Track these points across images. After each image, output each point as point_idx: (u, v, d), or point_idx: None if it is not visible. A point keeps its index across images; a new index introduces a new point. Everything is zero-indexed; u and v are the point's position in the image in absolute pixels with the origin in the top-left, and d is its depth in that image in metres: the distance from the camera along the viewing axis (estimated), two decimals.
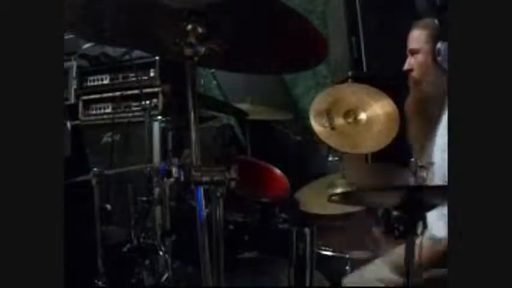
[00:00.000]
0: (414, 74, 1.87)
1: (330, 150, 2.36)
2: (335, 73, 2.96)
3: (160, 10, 1.11)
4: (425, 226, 1.81)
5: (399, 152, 2.01)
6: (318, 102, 2.16)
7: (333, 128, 2.08)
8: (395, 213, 1.31)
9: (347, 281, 1.90)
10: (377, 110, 2.12)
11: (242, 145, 3.04)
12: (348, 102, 2.16)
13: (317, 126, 2.08)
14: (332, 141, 2.10)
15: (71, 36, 2.78)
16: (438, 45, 1.77)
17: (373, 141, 2.09)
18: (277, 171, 2.21)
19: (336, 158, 2.34)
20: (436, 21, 1.85)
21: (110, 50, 3.17)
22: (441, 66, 1.77)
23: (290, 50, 1.28)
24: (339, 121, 2.12)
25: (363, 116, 2.15)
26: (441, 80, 1.76)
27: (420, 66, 1.84)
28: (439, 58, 1.77)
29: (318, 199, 2.12)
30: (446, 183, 1.42)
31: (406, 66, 1.89)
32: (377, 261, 1.86)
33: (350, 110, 2.15)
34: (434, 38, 1.79)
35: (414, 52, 1.86)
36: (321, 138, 2.08)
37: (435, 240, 1.66)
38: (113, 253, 2.41)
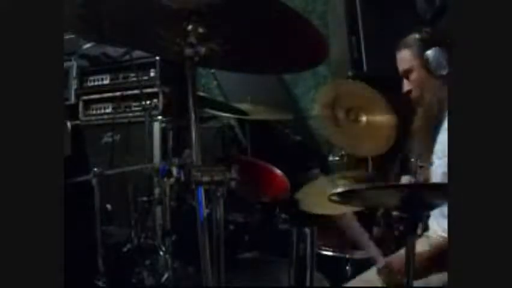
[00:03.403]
0: (415, 93, 1.85)
1: (330, 150, 2.36)
2: (335, 73, 2.96)
3: (160, 10, 1.11)
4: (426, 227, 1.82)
5: (399, 153, 2.02)
6: (323, 95, 2.15)
7: (337, 125, 2.08)
8: (395, 213, 1.31)
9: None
10: (376, 115, 2.12)
11: (242, 145, 3.04)
12: (351, 99, 2.16)
13: (323, 119, 2.07)
14: (335, 139, 2.10)
15: (71, 36, 2.79)
16: (425, 55, 1.76)
17: (372, 145, 2.08)
18: (277, 171, 2.21)
19: (337, 158, 2.34)
20: (417, 35, 1.83)
21: (110, 50, 3.18)
22: (435, 73, 1.76)
23: (290, 50, 1.28)
24: (342, 117, 2.11)
25: (363, 117, 2.15)
26: (440, 85, 1.76)
27: (418, 82, 1.82)
28: (430, 66, 1.76)
29: (318, 199, 2.12)
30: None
31: (405, 89, 1.87)
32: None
33: (352, 107, 2.14)
34: (420, 51, 1.79)
35: (407, 72, 1.85)
36: (326, 134, 2.07)
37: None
38: (113, 253, 2.42)
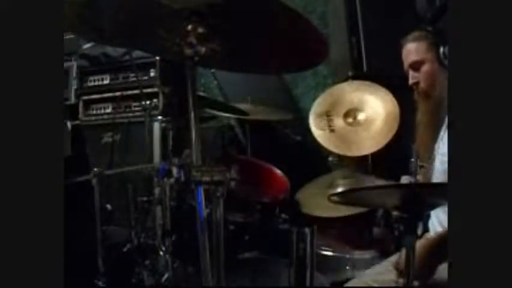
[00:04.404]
0: (423, 85, 1.83)
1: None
2: (335, 73, 2.96)
3: (160, 10, 1.11)
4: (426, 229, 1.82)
5: (399, 153, 2.02)
6: (318, 105, 2.15)
7: (332, 131, 2.08)
8: (395, 213, 1.31)
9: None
10: (378, 107, 2.11)
11: (242, 145, 3.04)
12: (349, 101, 2.16)
13: (316, 129, 2.08)
14: (330, 145, 2.10)
15: (71, 36, 2.79)
16: (442, 49, 1.77)
17: (372, 142, 2.09)
18: (277, 171, 2.21)
19: (336, 158, 2.34)
20: (429, 28, 1.85)
21: (110, 50, 3.18)
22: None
23: (290, 50, 1.28)
24: (339, 122, 2.12)
25: (362, 115, 2.15)
26: None
27: (429, 75, 1.81)
28: (446, 61, 1.76)
29: (318, 199, 2.12)
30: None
31: (411, 81, 1.86)
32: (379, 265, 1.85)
33: (350, 110, 2.15)
34: (434, 45, 1.79)
35: (417, 64, 1.83)
36: (320, 142, 2.08)
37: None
38: (113, 253, 2.42)
